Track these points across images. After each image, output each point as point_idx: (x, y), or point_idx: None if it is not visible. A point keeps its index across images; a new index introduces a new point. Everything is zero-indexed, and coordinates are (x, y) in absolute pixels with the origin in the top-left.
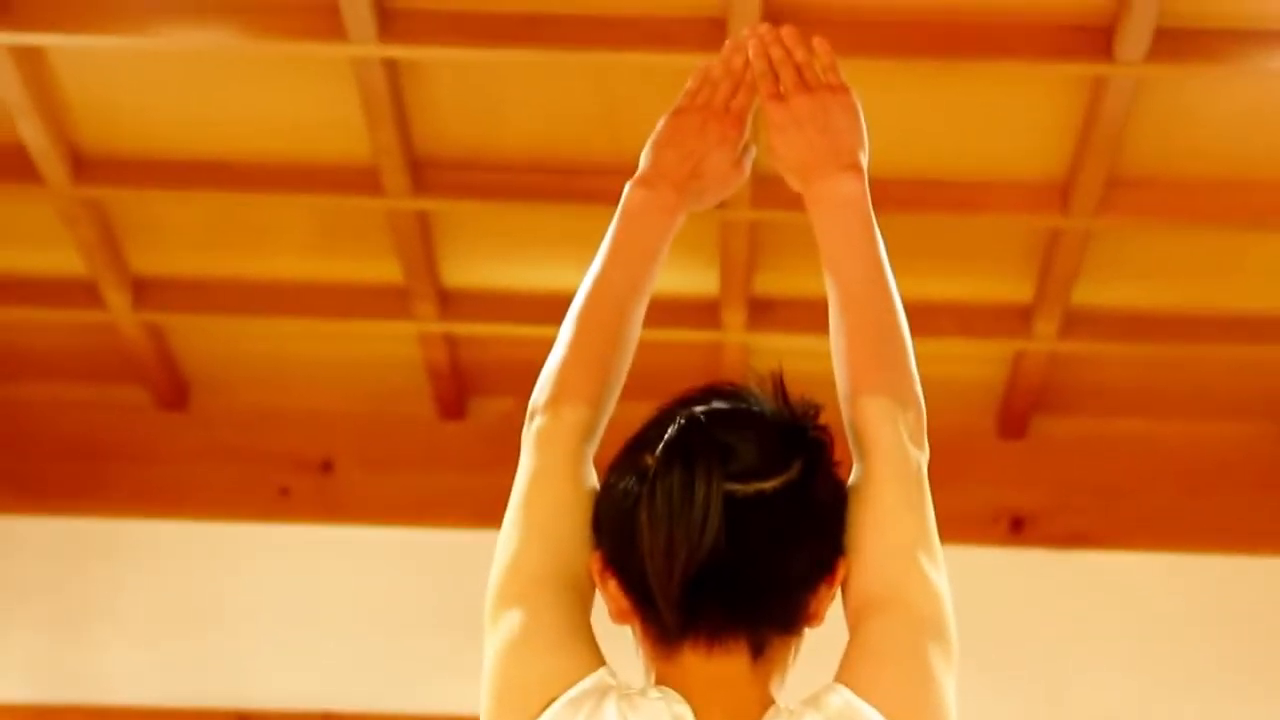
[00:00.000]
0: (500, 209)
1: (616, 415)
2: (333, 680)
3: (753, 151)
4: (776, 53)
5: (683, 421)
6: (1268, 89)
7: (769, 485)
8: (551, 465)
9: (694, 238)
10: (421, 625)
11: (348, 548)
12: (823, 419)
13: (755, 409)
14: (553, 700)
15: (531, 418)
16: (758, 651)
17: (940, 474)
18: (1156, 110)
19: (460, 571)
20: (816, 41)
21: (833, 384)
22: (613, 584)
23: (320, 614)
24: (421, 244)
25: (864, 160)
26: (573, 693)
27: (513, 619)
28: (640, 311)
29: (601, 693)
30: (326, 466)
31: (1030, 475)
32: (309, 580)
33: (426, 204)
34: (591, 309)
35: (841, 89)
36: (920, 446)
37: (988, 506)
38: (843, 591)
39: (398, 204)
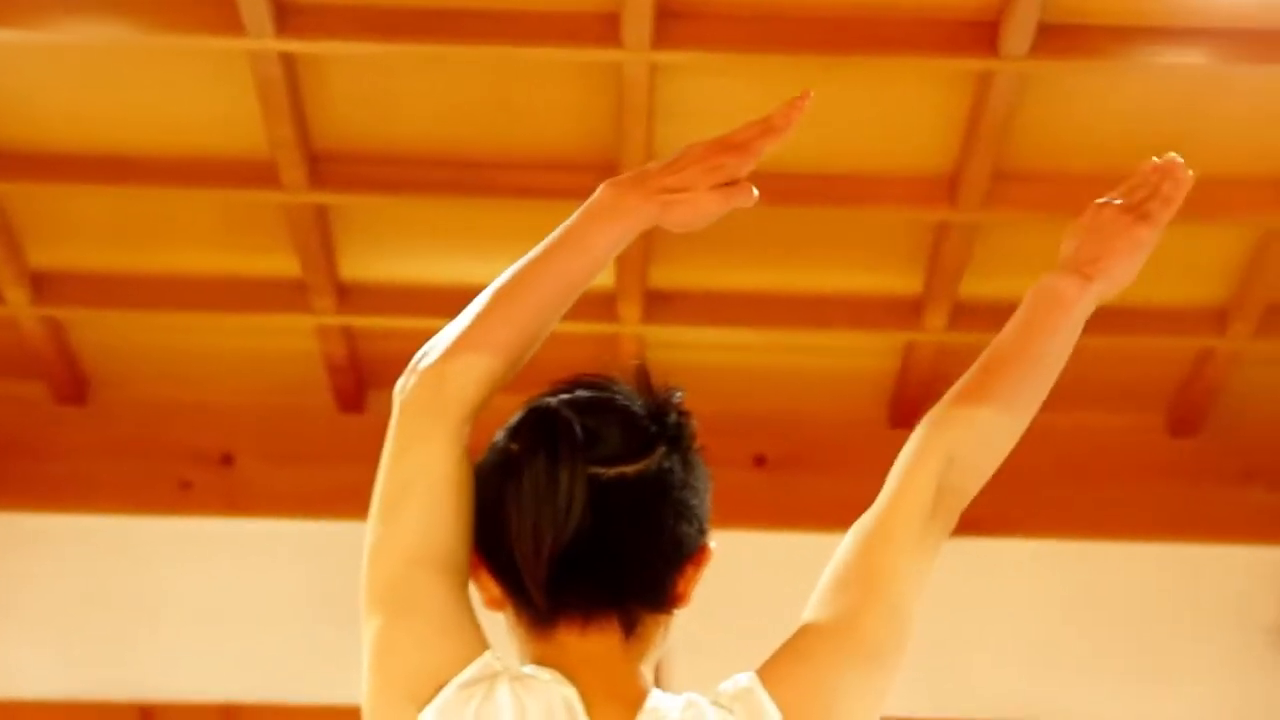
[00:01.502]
0: (398, 202)
1: (507, 407)
2: (234, 672)
3: (749, 192)
4: (1151, 179)
5: (547, 410)
6: (1150, 84)
7: (632, 469)
8: (429, 439)
9: None
10: (322, 617)
11: (248, 540)
12: (685, 405)
13: (619, 396)
14: (442, 686)
15: (412, 374)
16: (629, 629)
17: (831, 463)
18: (1041, 105)
19: (361, 563)
20: (1181, 181)
21: (721, 373)
22: (484, 572)
23: (221, 606)
24: (319, 237)
25: (1106, 284)
26: (462, 678)
27: (393, 604)
28: (563, 306)
29: (492, 677)
30: (227, 460)
31: None
32: (210, 573)
33: (324, 198)
34: (515, 284)
35: (1148, 223)
36: (954, 508)
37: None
38: (824, 583)
39: (295, 198)
